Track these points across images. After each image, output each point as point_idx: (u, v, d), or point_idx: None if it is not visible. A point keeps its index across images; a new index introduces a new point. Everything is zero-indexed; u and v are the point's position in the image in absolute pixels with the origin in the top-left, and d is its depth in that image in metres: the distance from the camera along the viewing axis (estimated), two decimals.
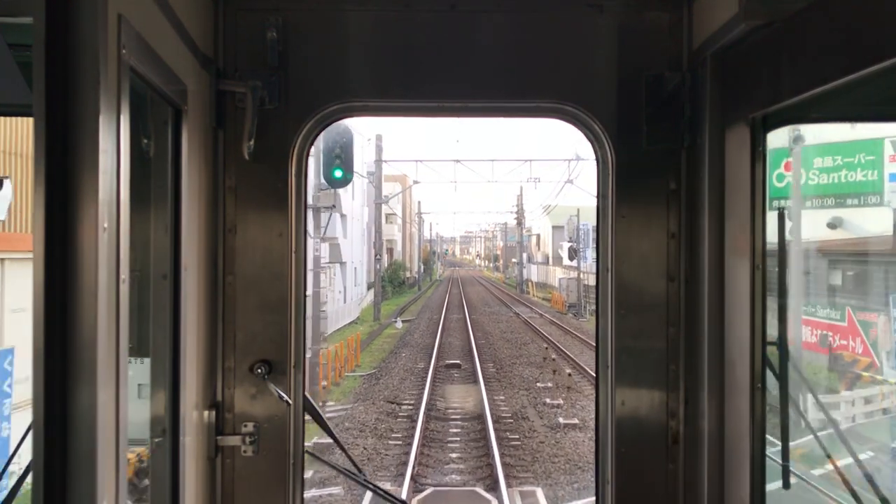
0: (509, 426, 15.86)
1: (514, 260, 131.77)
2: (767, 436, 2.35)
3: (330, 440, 3.08)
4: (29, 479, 1.59)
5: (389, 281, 66.25)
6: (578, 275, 48.64)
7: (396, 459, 13.43)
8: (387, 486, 11.13)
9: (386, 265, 72.25)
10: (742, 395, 2.38)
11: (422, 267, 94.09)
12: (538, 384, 20.48)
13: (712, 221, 2.53)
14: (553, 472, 12.92)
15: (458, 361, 24.70)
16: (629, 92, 2.82)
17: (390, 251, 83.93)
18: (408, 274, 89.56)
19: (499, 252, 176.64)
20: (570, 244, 55.67)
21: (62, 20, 1.57)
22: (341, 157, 17.33)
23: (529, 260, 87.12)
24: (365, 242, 56.26)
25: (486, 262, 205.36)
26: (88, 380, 1.57)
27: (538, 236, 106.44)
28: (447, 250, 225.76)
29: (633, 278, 2.84)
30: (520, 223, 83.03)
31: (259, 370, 2.80)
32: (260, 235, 2.84)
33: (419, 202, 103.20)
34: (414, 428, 15.24)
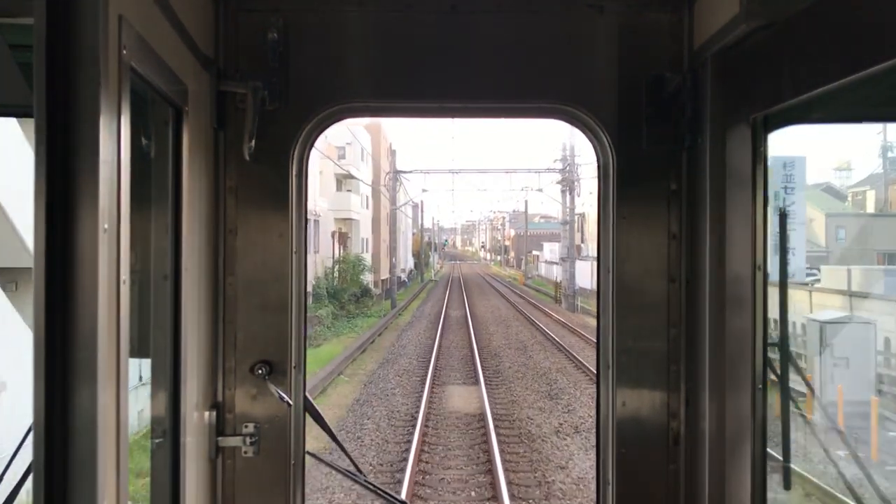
0: None
1: (535, 253, 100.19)
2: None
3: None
4: (29, 479, 1.59)
5: (334, 296, 37.14)
6: None
7: None
8: None
9: (330, 265, 42.19)
10: (743, 395, 2.38)
11: (395, 263, 50.26)
12: None
13: (713, 222, 2.53)
14: None
15: None
16: (630, 92, 2.82)
17: (343, 237, 48.14)
18: (384, 276, 53.77)
19: (508, 243, 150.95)
20: None
21: (63, 21, 1.57)
22: None
23: (569, 253, 47.88)
24: None
25: (493, 254, 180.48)
26: (89, 380, 1.57)
27: (583, 216, 61.81)
28: (446, 241, 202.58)
29: (634, 279, 2.84)
30: (571, 187, 44.55)
31: (259, 371, 2.80)
32: (260, 236, 2.84)
33: (393, 149, 57.11)
34: None
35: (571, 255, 45.21)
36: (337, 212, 47.61)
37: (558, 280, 54.19)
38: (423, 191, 57.70)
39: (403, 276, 73.28)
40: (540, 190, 52.17)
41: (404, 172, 53.15)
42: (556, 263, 66.98)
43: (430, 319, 37.97)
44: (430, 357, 24.20)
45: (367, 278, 47.04)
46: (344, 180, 50.83)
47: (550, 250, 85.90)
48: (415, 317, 40.03)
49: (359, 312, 38.55)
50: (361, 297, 41.93)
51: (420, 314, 41.83)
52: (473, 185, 55.55)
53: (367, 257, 52.94)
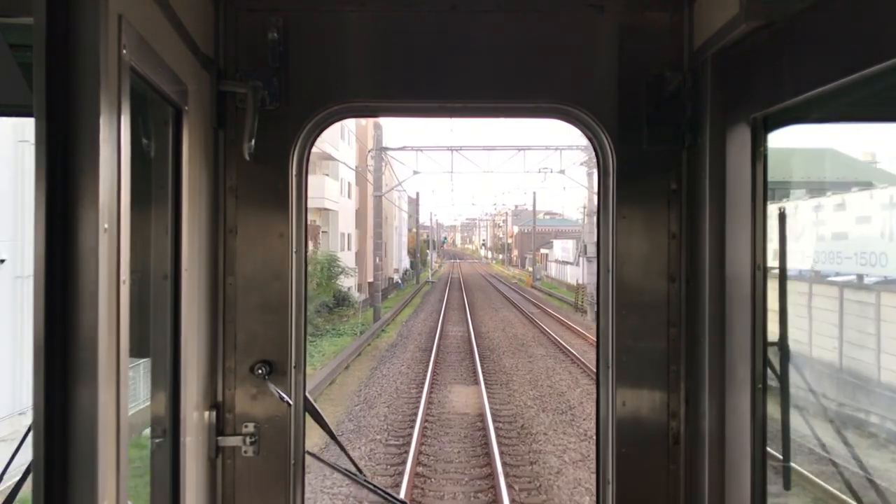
0: None
1: (543, 251, 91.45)
2: None
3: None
4: (29, 479, 1.59)
5: None
6: None
7: None
8: None
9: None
10: (743, 395, 2.38)
11: (380, 264, 39.06)
12: None
13: (713, 222, 2.53)
14: None
15: None
16: (630, 92, 2.82)
17: (315, 231, 38.81)
18: (371, 279, 40.85)
19: (511, 240, 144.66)
20: None
21: (63, 20, 1.57)
22: None
23: (585, 253, 40.61)
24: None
25: (493, 253, 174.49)
26: (89, 380, 1.57)
27: None
28: (445, 238, 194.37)
29: (634, 279, 2.84)
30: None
31: (260, 371, 2.80)
32: (261, 236, 2.84)
33: (379, 123, 41.85)
34: None
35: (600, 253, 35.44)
36: (308, 199, 38.08)
37: (581, 283, 44.88)
38: (415, 172, 40.62)
39: (397, 277, 66.82)
40: (562, 171, 39.93)
41: (391, 150, 40.95)
42: (571, 263, 60.21)
43: (420, 343, 26.95)
44: (410, 438, 13.54)
45: (349, 282, 39.38)
46: (319, 161, 41.61)
47: (563, 248, 77.00)
48: (401, 336, 29.45)
49: (329, 328, 29.30)
50: (336, 308, 33.14)
51: (408, 332, 31.05)
52: (478, 167, 40.38)
53: (348, 256, 44.10)
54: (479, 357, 22.98)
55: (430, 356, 23.13)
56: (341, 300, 34.99)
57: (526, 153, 38.86)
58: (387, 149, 40.90)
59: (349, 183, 48.26)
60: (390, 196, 59.34)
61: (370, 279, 43.61)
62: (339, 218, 44.34)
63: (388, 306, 42.90)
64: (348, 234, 47.88)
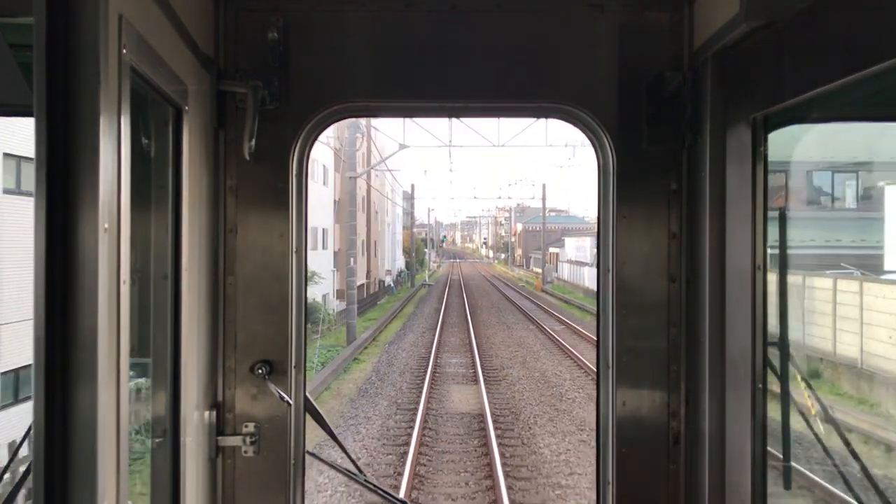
0: None
1: (553, 250, 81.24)
2: None
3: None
4: (29, 479, 1.59)
5: None
6: None
7: None
8: None
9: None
10: (743, 395, 2.38)
11: (355, 267, 30.21)
12: None
13: (713, 222, 2.53)
14: None
15: None
16: (630, 92, 2.82)
17: None
18: (360, 281, 36.69)
19: (514, 238, 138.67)
20: None
21: (63, 20, 1.57)
22: None
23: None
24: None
25: (495, 252, 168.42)
26: (89, 380, 1.57)
27: None
28: (444, 237, 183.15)
29: (634, 279, 2.84)
30: None
31: (260, 370, 2.80)
32: (261, 236, 2.84)
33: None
34: None
35: None
36: None
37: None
38: (401, 146, 34.57)
39: (389, 280, 61.56)
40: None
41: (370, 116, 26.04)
42: (587, 265, 52.52)
43: (398, 395, 17.70)
44: None
45: (323, 288, 33.49)
46: None
47: (577, 247, 68.52)
48: (378, 373, 20.79)
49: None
50: None
51: (388, 364, 22.36)
52: (486, 140, 34.42)
53: (325, 257, 37.73)
54: (495, 428, 13.65)
55: (413, 423, 14.14)
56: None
57: (548, 122, 28.76)
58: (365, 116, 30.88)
59: (324, 166, 39.69)
60: (381, 187, 50.68)
61: (360, 282, 35.32)
62: (313, 214, 34.77)
63: (372, 317, 35.80)
64: (323, 230, 39.67)
